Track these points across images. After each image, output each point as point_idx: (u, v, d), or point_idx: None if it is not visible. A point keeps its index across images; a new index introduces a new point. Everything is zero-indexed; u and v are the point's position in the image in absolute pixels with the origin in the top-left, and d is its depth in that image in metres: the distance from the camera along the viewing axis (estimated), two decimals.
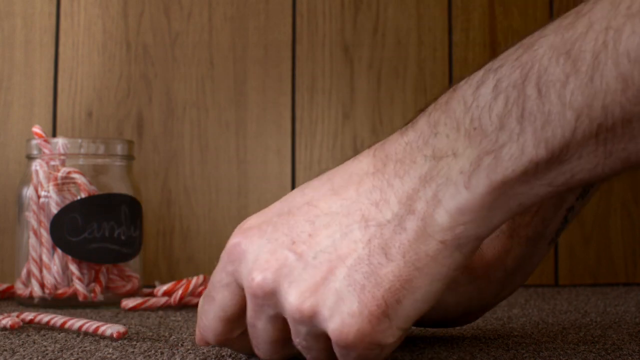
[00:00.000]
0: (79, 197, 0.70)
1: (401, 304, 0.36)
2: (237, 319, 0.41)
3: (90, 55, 0.90)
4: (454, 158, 0.36)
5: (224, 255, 0.40)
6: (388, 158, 0.38)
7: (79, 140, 0.72)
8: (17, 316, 0.56)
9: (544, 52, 0.34)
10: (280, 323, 0.39)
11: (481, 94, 0.35)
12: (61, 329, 0.54)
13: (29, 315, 0.56)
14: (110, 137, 0.88)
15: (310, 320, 0.37)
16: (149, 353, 0.45)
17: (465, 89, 0.36)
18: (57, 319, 0.54)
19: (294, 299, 0.37)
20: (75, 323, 0.53)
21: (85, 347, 0.47)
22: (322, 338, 0.38)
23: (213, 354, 0.45)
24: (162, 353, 0.45)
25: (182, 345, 0.48)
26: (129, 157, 0.75)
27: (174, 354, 0.44)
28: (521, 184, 0.35)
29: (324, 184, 0.39)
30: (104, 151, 0.73)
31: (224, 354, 0.45)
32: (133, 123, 0.90)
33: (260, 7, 0.92)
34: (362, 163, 0.39)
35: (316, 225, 0.38)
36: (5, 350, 0.46)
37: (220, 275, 0.40)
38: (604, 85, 0.33)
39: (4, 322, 0.54)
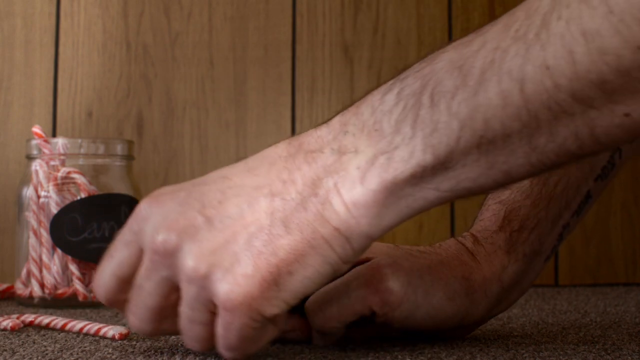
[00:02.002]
0: (79, 197, 0.70)
1: (292, 277, 0.38)
2: (129, 279, 0.41)
3: (90, 55, 0.90)
4: (355, 154, 0.39)
5: (131, 216, 0.41)
6: (300, 147, 0.40)
7: (79, 140, 0.72)
8: (18, 318, 0.56)
9: (442, 66, 0.37)
10: (169, 289, 0.40)
11: (386, 99, 0.39)
12: (62, 330, 0.54)
13: (29, 317, 0.56)
14: (110, 137, 0.88)
15: (204, 280, 0.38)
16: (149, 353, 0.45)
17: (375, 94, 0.39)
18: (58, 321, 0.54)
19: (193, 257, 0.38)
20: (77, 325, 0.53)
21: (85, 347, 0.47)
22: (208, 307, 0.39)
23: (213, 353, 0.45)
24: (162, 353, 0.45)
25: (182, 345, 0.48)
26: (129, 157, 0.75)
27: (174, 354, 0.44)
28: (410, 185, 0.38)
29: (240, 164, 0.42)
30: (104, 151, 0.73)
31: None
32: (133, 123, 0.90)
33: (260, 7, 0.92)
34: (278, 148, 0.41)
35: (227, 194, 0.40)
36: (5, 350, 0.46)
37: (123, 234, 0.41)
38: (486, 100, 0.35)
39: (4, 323, 0.54)
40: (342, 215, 0.39)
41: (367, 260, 0.46)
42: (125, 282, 0.42)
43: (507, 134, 0.36)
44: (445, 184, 0.38)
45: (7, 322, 0.54)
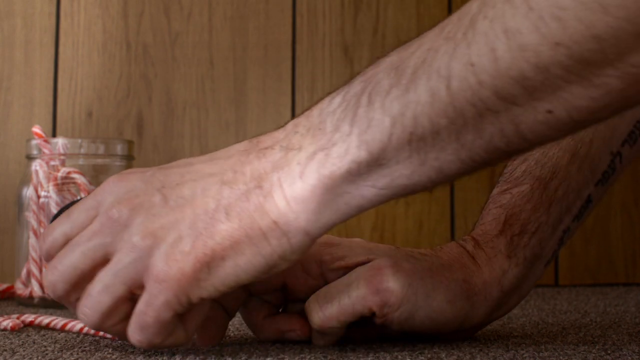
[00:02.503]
0: (79, 197, 0.70)
1: (224, 262, 0.39)
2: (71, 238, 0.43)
3: (90, 55, 0.90)
4: (298, 151, 0.41)
5: (98, 188, 0.43)
6: (258, 144, 0.43)
7: (79, 140, 0.72)
8: (18, 317, 0.56)
9: (382, 68, 0.39)
10: (100, 257, 0.41)
11: (333, 102, 0.40)
12: (62, 330, 0.54)
13: (29, 317, 0.56)
14: (110, 137, 0.88)
15: (144, 250, 0.40)
16: (149, 353, 0.45)
17: (326, 98, 0.41)
18: (58, 321, 0.54)
19: (141, 229, 0.40)
20: (76, 325, 0.53)
21: (85, 347, 0.47)
22: (131, 282, 0.40)
23: (213, 354, 0.45)
24: (162, 353, 0.45)
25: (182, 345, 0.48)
26: (129, 157, 0.75)
27: (174, 354, 0.44)
28: (347, 182, 0.39)
29: (207, 155, 0.44)
30: (104, 151, 0.73)
31: (224, 354, 0.45)
32: (133, 123, 0.90)
33: (260, 7, 0.92)
34: (240, 144, 0.44)
35: (185, 177, 0.42)
36: (5, 350, 0.46)
37: (84, 201, 0.43)
38: (416, 97, 0.37)
39: (4, 323, 0.54)
40: (281, 209, 0.40)
41: (369, 261, 0.46)
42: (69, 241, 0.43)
43: (435, 131, 0.37)
44: (381, 181, 0.39)
45: (7, 322, 0.54)
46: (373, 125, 0.38)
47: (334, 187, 0.40)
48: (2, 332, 0.53)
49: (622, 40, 0.32)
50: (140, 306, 0.40)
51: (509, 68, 0.34)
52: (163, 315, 0.40)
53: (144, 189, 0.42)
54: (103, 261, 0.41)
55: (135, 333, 0.41)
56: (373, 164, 0.39)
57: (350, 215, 0.41)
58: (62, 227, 0.43)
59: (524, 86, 0.34)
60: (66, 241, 0.43)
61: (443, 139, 0.37)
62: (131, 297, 0.41)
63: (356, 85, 0.40)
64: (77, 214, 0.43)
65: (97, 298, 0.41)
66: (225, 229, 0.40)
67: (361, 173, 0.39)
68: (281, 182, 0.40)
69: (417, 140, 0.38)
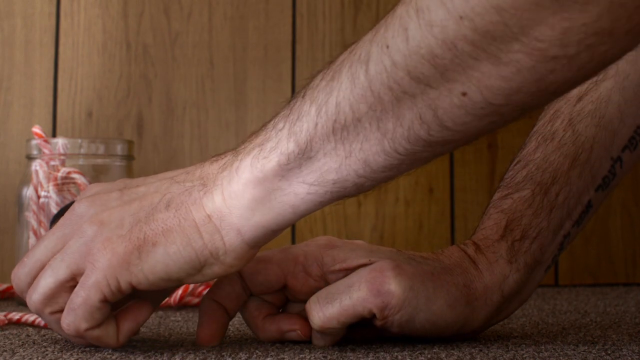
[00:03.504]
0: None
1: (154, 249, 0.41)
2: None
3: (90, 55, 0.90)
4: (241, 152, 0.42)
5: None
6: (218, 154, 0.44)
7: (79, 140, 0.72)
8: (5, 315, 0.56)
9: (324, 68, 0.40)
10: (60, 244, 0.43)
11: (282, 109, 0.42)
12: (45, 327, 0.55)
13: (15, 315, 0.56)
14: (110, 137, 0.88)
15: (91, 234, 0.42)
16: (149, 353, 0.45)
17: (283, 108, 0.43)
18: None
19: (92, 216, 0.43)
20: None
21: (85, 347, 0.47)
22: (75, 268, 0.42)
23: (213, 354, 0.45)
24: (162, 353, 0.45)
25: (182, 345, 0.48)
26: (129, 157, 0.75)
27: (174, 354, 0.44)
28: (278, 177, 0.40)
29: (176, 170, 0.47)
30: (104, 151, 0.73)
31: (224, 353, 0.45)
32: (133, 123, 0.90)
33: (260, 7, 0.92)
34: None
35: (146, 180, 0.45)
36: (5, 350, 0.46)
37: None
38: (338, 84, 0.38)
39: None
40: (217, 203, 0.41)
41: (370, 263, 0.46)
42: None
43: (357, 118, 0.38)
44: (310, 176, 0.40)
45: None
46: (302, 116, 0.40)
47: (265, 181, 0.40)
48: (2, 333, 0.53)
49: (523, 10, 0.32)
50: (75, 288, 0.42)
51: (419, 46, 0.35)
52: (91, 297, 0.41)
53: (107, 189, 0.45)
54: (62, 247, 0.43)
55: (65, 315, 0.42)
56: (301, 156, 0.40)
57: (285, 218, 0.41)
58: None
59: (435, 65, 0.35)
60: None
61: (365, 127, 0.38)
62: (73, 286, 0.42)
63: (301, 88, 0.41)
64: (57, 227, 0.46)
65: (42, 281, 0.42)
66: (161, 217, 0.41)
67: (290, 166, 0.40)
68: (222, 181, 0.42)
69: (340, 129, 0.38)
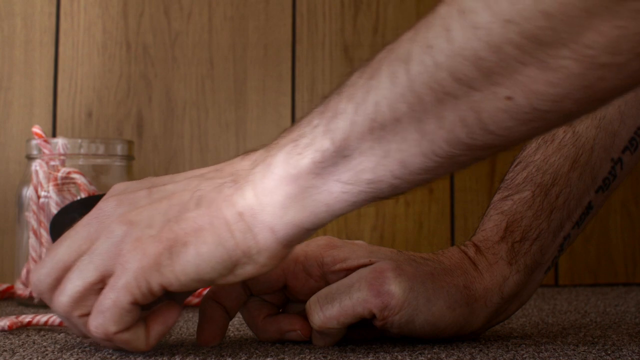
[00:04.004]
0: (79, 197, 0.70)
1: (186, 249, 0.39)
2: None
3: (90, 55, 0.90)
4: (274, 148, 0.41)
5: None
6: (248, 153, 0.43)
7: (79, 141, 0.72)
8: (16, 317, 0.56)
9: (359, 65, 0.39)
10: (84, 249, 0.41)
11: (317, 106, 0.41)
12: (60, 327, 0.54)
13: (26, 317, 0.56)
14: (110, 137, 0.88)
15: (121, 234, 0.40)
16: (149, 353, 0.45)
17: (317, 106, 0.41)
18: (55, 318, 0.54)
19: (121, 215, 0.41)
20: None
21: (85, 347, 0.47)
22: (105, 270, 0.40)
23: (213, 354, 0.45)
24: (162, 353, 0.45)
25: (182, 345, 0.48)
26: (129, 157, 0.75)
27: (174, 354, 0.44)
28: (312, 174, 0.39)
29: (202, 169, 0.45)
30: (103, 151, 0.73)
31: (223, 354, 0.45)
32: (133, 123, 0.90)
33: (260, 7, 0.92)
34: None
35: (174, 178, 0.43)
36: (5, 350, 0.46)
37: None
38: (377, 83, 0.37)
39: (1, 323, 0.54)
40: (248, 200, 0.40)
41: (370, 263, 0.46)
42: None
43: (396, 118, 0.37)
44: (345, 175, 0.39)
45: (4, 322, 0.54)
46: (338, 114, 0.38)
47: (299, 178, 0.39)
48: (2, 333, 0.53)
49: (572, 17, 0.31)
50: (104, 290, 0.40)
51: (463, 48, 0.34)
52: (121, 299, 0.39)
53: (134, 188, 0.43)
54: (87, 248, 0.41)
55: (93, 318, 0.40)
56: (337, 154, 0.38)
57: (319, 217, 0.40)
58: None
59: (479, 67, 0.34)
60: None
61: (404, 127, 0.37)
62: (102, 288, 0.41)
63: (336, 89, 0.40)
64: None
65: (70, 284, 0.41)
66: (192, 216, 0.40)
67: (325, 164, 0.39)
68: (254, 177, 0.40)
69: (378, 129, 0.37)
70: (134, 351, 0.42)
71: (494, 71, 0.34)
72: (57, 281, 0.42)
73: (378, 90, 0.37)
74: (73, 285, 0.40)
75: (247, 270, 0.40)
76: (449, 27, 0.34)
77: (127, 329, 0.40)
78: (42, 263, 0.42)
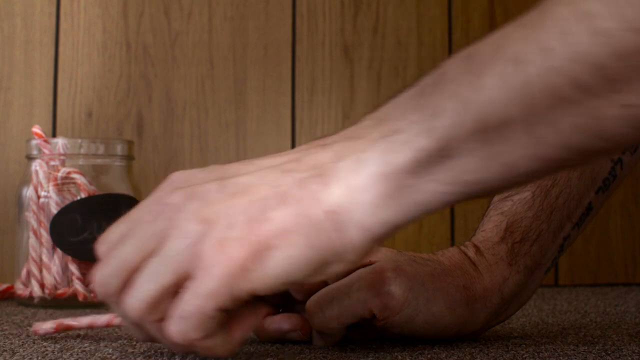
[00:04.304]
0: (79, 197, 0.70)
1: (273, 253, 0.36)
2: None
3: (90, 55, 0.90)
4: (360, 141, 0.38)
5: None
6: (324, 140, 0.40)
7: (79, 141, 0.72)
8: (56, 321, 0.51)
9: (455, 58, 0.37)
10: (151, 247, 0.38)
11: (403, 94, 0.38)
12: (108, 327, 0.51)
13: (66, 321, 0.51)
14: (110, 137, 0.88)
15: (197, 235, 0.37)
16: (149, 353, 0.45)
17: (402, 91, 0.39)
18: (108, 318, 0.49)
19: (194, 212, 0.38)
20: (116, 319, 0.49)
21: (85, 347, 0.47)
22: (181, 270, 0.37)
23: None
24: (162, 353, 0.45)
25: None
26: (129, 157, 0.75)
27: (174, 354, 0.44)
28: (409, 173, 0.36)
29: (274, 155, 0.42)
30: (103, 151, 0.73)
31: None
32: (133, 123, 0.90)
33: (260, 7, 0.92)
34: (306, 144, 0.41)
35: (245, 169, 0.40)
36: (5, 350, 0.46)
37: (147, 198, 0.41)
38: (485, 83, 0.35)
39: (46, 326, 0.50)
40: (336, 198, 0.37)
41: (370, 263, 0.46)
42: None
43: (505, 120, 0.35)
44: (445, 175, 0.36)
45: (50, 325, 0.50)
46: (439, 112, 0.36)
47: (395, 178, 0.36)
48: (2, 332, 0.53)
49: None
50: (184, 295, 0.37)
51: (586, 53, 0.32)
52: (206, 306, 0.36)
53: (200, 179, 0.40)
54: (155, 252, 0.38)
55: (174, 324, 0.37)
56: (437, 154, 0.36)
57: (411, 215, 0.37)
58: (120, 227, 0.41)
59: (602, 74, 0.32)
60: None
61: (513, 130, 0.35)
62: (177, 291, 0.37)
63: (427, 77, 0.37)
64: (136, 212, 0.40)
65: (142, 287, 0.37)
66: (277, 216, 0.37)
67: (424, 163, 0.36)
68: (339, 172, 0.37)
69: (484, 131, 0.35)
70: (215, 357, 0.40)
71: (617, 79, 0.32)
72: (124, 283, 0.39)
73: (486, 91, 0.35)
74: (147, 289, 0.37)
75: (335, 269, 0.38)
76: (568, 31, 0.32)
77: (210, 335, 0.38)
78: (104, 263, 0.39)
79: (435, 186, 0.37)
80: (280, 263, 0.37)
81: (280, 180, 0.38)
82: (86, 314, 0.58)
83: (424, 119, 0.36)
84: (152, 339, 0.40)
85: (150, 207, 0.40)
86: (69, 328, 0.50)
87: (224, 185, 0.39)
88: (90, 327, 0.50)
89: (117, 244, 0.39)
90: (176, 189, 0.39)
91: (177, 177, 0.41)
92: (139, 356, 0.44)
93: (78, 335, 0.52)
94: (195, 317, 0.37)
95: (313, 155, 0.39)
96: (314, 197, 0.37)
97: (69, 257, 0.70)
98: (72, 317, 0.51)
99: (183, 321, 0.37)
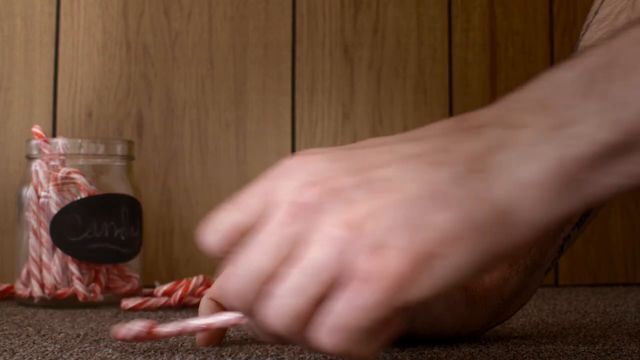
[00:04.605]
0: (79, 197, 0.70)
1: (438, 263, 0.33)
2: (246, 230, 0.36)
3: (90, 55, 0.90)
4: (523, 130, 0.34)
5: (271, 172, 0.36)
6: (465, 121, 0.36)
7: (79, 141, 0.72)
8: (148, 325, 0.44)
9: (626, 41, 0.34)
10: (286, 252, 0.34)
11: (563, 76, 0.34)
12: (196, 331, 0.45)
13: (163, 327, 0.43)
14: (110, 137, 0.88)
15: (346, 241, 0.33)
16: (149, 353, 0.45)
17: (551, 71, 0.35)
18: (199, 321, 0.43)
19: (339, 216, 0.33)
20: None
21: (85, 347, 0.47)
22: (329, 279, 0.33)
23: (213, 354, 0.45)
24: (162, 353, 0.45)
25: (182, 345, 0.48)
26: (129, 157, 0.75)
27: (173, 354, 0.44)
28: (585, 169, 0.33)
29: (396, 136, 0.37)
30: (103, 151, 0.73)
31: (223, 354, 0.45)
32: (133, 123, 0.90)
33: (260, 7, 0.92)
34: (440, 123, 0.36)
35: (384, 158, 0.35)
36: (5, 350, 0.46)
37: (254, 187, 0.36)
38: None
39: (138, 327, 0.44)
40: (503, 197, 0.33)
41: None
42: (241, 232, 0.36)
43: None
44: (625, 169, 0.33)
45: (141, 326, 0.43)
46: (622, 103, 0.32)
47: (570, 172, 0.33)
48: (2, 332, 0.53)
49: None
50: (339, 307, 0.33)
51: None
52: (364, 318, 0.33)
53: (332, 169, 0.35)
54: (291, 256, 0.34)
55: (327, 336, 0.33)
56: (620, 147, 0.33)
57: (578, 209, 0.34)
58: (231, 216, 0.36)
59: None
60: (238, 231, 0.36)
61: None
62: (322, 301, 0.34)
63: (590, 58, 0.34)
64: (246, 200, 0.36)
65: (286, 301, 0.34)
66: (439, 220, 0.33)
67: (604, 157, 0.33)
68: (504, 165, 0.33)
69: None
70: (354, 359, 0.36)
71: None
72: (259, 293, 0.35)
73: None
74: (292, 302, 0.34)
75: (499, 267, 0.37)
76: None
77: (362, 343, 0.34)
78: (234, 272, 0.35)
79: (612, 179, 0.34)
80: (447, 272, 0.33)
81: (431, 175, 0.34)
82: (85, 315, 0.58)
83: (604, 109, 0.33)
84: (285, 343, 0.37)
85: (260, 195, 0.35)
86: (158, 336, 0.44)
87: (365, 180, 0.34)
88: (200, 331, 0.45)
89: (240, 244, 0.36)
90: (305, 184, 0.34)
91: (297, 168, 0.35)
92: (139, 356, 0.44)
93: (78, 335, 0.52)
94: (355, 331, 0.33)
95: (461, 144, 0.35)
96: (478, 197, 0.33)
97: (69, 257, 0.70)
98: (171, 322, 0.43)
99: (337, 333, 0.33)
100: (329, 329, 0.33)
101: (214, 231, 0.37)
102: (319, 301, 0.34)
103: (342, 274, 0.33)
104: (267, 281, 0.34)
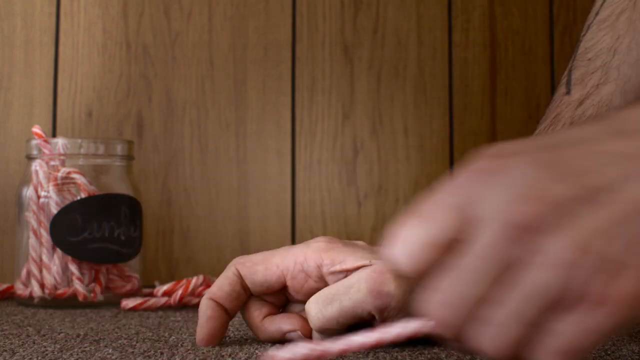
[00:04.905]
0: (78, 197, 0.70)
1: None
2: (444, 249, 0.32)
3: (90, 55, 0.90)
4: None
5: (458, 176, 0.32)
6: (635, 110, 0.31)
7: (79, 141, 0.72)
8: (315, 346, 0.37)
9: None
10: (498, 275, 0.31)
11: None
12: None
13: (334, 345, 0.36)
14: (110, 137, 0.88)
15: (574, 264, 0.29)
16: (149, 353, 0.45)
17: None
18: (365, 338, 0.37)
19: (571, 238, 0.29)
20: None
21: (85, 347, 0.47)
22: (552, 304, 0.30)
23: (213, 354, 0.45)
24: (162, 353, 0.45)
25: (182, 345, 0.48)
26: (128, 157, 0.75)
27: (173, 354, 0.44)
28: None
29: (594, 128, 0.33)
30: (103, 151, 0.73)
31: (223, 354, 0.45)
32: (133, 123, 0.90)
33: (260, 7, 0.92)
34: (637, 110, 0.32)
35: (601, 162, 0.31)
36: (5, 350, 0.46)
37: (444, 195, 0.32)
38: None
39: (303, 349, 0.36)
40: None
41: (370, 264, 0.46)
42: (439, 250, 0.32)
43: None
44: None
45: (307, 348, 0.36)
46: None
47: None
48: (2, 332, 0.53)
49: None
50: (566, 330, 0.30)
51: None
52: (600, 341, 0.30)
53: (543, 179, 0.30)
54: (506, 281, 0.31)
55: (551, 358, 0.31)
56: None
57: None
58: (421, 233, 0.32)
59: None
60: (435, 250, 0.32)
61: None
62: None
63: None
64: (436, 212, 0.32)
65: (505, 327, 0.31)
66: None
67: None
68: None
69: None
70: None
71: None
72: (470, 320, 0.31)
73: None
74: (512, 329, 0.31)
75: None
76: None
77: None
78: (441, 299, 0.32)
79: None
80: None
81: None
82: (85, 315, 0.58)
83: None
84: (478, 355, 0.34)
85: (453, 209, 0.31)
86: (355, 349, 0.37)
87: (583, 190, 0.30)
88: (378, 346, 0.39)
89: (438, 265, 0.32)
90: (514, 198, 0.30)
91: (496, 178, 0.31)
92: (139, 356, 0.44)
93: (78, 335, 0.52)
94: (579, 352, 0.31)
95: None
96: None
97: (69, 257, 0.70)
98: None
99: (562, 356, 0.31)
100: (553, 352, 0.31)
101: (405, 247, 0.32)
102: (538, 325, 0.31)
103: (566, 297, 0.30)
104: (478, 307, 0.31)
